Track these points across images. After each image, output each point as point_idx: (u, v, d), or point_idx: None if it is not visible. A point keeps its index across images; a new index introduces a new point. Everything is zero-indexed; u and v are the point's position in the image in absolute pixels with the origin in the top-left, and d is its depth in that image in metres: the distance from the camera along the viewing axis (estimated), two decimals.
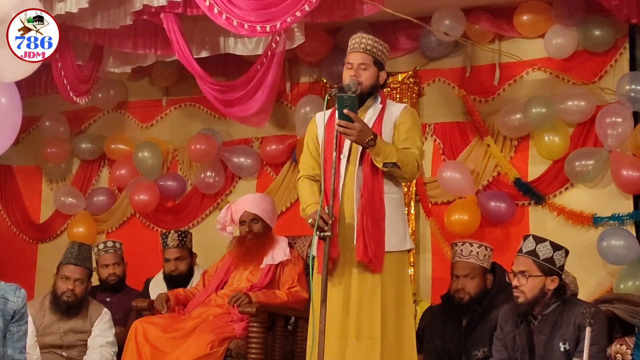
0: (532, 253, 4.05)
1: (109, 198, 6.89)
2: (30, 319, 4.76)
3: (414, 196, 5.92)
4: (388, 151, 3.82)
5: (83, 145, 7.00)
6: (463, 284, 4.63)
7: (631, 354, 4.09)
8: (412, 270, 5.71)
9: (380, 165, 3.84)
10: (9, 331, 3.69)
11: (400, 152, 3.85)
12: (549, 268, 4.03)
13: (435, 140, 5.97)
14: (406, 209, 5.47)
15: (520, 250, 4.12)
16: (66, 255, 5.07)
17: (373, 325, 3.80)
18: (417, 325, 4.86)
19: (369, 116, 3.96)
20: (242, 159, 6.45)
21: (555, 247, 4.07)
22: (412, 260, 5.71)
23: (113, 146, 6.90)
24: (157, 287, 5.54)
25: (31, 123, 7.08)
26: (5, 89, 4.84)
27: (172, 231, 5.66)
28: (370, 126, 3.87)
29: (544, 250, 4.04)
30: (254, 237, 4.97)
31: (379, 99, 4.02)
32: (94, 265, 5.68)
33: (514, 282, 4.08)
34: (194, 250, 5.70)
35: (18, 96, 4.99)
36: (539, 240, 4.08)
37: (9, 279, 4.69)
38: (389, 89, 5.84)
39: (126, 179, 6.73)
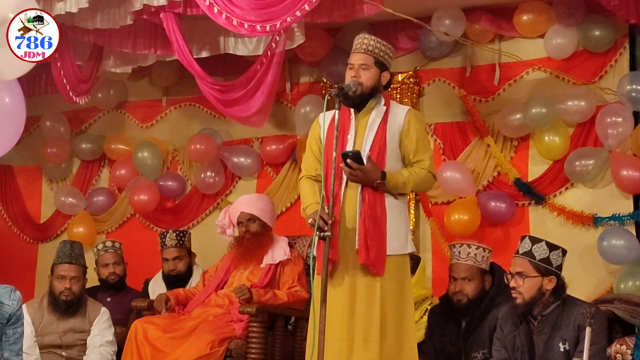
0: (528, 254, 4.03)
1: (109, 198, 6.89)
2: (28, 320, 4.79)
3: (414, 196, 5.91)
4: (400, 185, 3.88)
5: (83, 145, 6.99)
6: (461, 287, 4.60)
7: (631, 354, 4.10)
8: None
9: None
10: (5, 334, 3.69)
11: (411, 178, 3.90)
12: (545, 268, 4.01)
13: (435, 140, 5.97)
14: None
15: (517, 251, 4.11)
16: (59, 255, 5.07)
17: (373, 327, 3.80)
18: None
19: (372, 118, 3.96)
20: (242, 159, 6.45)
21: (552, 247, 4.05)
22: None
23: (113, 146, 6.89)
24: (156, 287, 5.55)
25: (31, 123, 7.05)
26: (9, 87, 4.83)
27: (170, 231, 5.66)
28: (374, 129, 3.89)
29: (540, 251, 4.03)
30: (252, 237, 4.97)
31: (382, 101, 4.01)
32: (94, 265, 5.69)
33: (512, 283, 4.06)
34: (193, 250, 5.70)
35: (22, 95, 4.98)
36: (535, 240, 4.07)
37: (9, 278, 4.71)
38: (389, 89, 5.84)
39: (126, 179, 6.73)
